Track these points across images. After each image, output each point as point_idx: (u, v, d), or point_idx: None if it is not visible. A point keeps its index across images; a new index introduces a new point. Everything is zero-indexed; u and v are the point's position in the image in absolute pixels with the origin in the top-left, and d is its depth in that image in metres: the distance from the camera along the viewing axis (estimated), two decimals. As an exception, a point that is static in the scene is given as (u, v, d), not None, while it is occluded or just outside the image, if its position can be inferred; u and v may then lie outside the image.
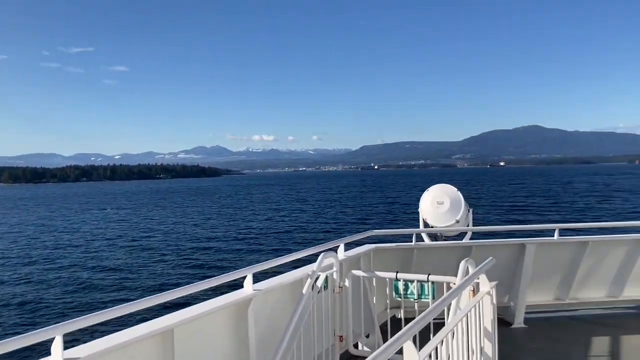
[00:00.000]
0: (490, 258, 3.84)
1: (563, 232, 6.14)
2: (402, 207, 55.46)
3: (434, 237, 6.99)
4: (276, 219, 47.05)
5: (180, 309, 3.57)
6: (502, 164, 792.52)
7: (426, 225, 6.76)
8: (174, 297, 3.24)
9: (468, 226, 6.87)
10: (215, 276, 3.69)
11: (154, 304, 3.09)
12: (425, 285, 4.59)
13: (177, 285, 21.00)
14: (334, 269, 4.82)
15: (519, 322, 6.15)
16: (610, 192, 72.87)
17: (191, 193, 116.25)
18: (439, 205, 6.59)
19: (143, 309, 3.00)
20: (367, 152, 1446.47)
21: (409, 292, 4.67)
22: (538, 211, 46.00)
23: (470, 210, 7.01)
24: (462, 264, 3.75)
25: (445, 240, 6.97)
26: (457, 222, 6.47)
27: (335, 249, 5.20)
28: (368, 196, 78.67)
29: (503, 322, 6.17)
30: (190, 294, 3.46)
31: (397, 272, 4.76)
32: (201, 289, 3.49)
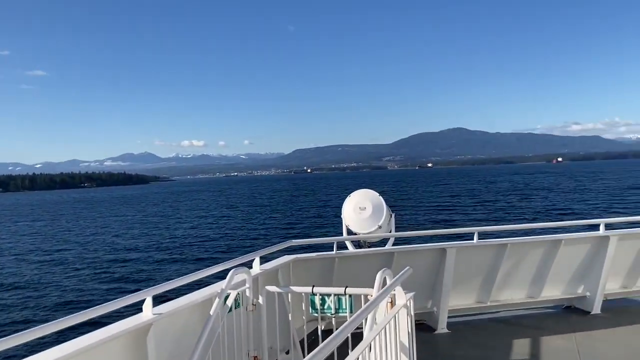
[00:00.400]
0: (407, 268, 3.67)
1: (483, 234, 6.06)
2: (333, 210, 55.26)
3: (357, 244, 6.77)
4: (202, 227, 45.47)
5: (64, 342, 3.06)
6: (430, 165, 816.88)
7: (350, 232, 6.52)
8: (57, 330, 2.76)
9: (390, 232, 6.66)
10: (113, 300, 3.22)
11: (32, 338, 2.59)
12: (343, 298, 4.29)
13: (89, 303, 19.49)
14: (247, 285, 4.45)
15: (442, 328, 6.10)
16: (531, 190, 75.73)
17: (115, 202, 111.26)
18: (361, 211, 6.39)
19: (21, 344, 2.52)
20: (300, 155, 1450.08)
21: (325, 306, 4.37)
22: (463, 211, 47.01)
23: (393, 215, 6.88)
24: (378, 275, 3.41)
25: (369, 247, 6.70)
26: (380, 227, 6.28)
27: (250, 263, 4.89)
28: (300, 200, 78.13)
29: (427, 328, 6.19)
30: (84, 321, 2.99)
31: (313, 286, 4.40)
32: (90, 317, 3.00)
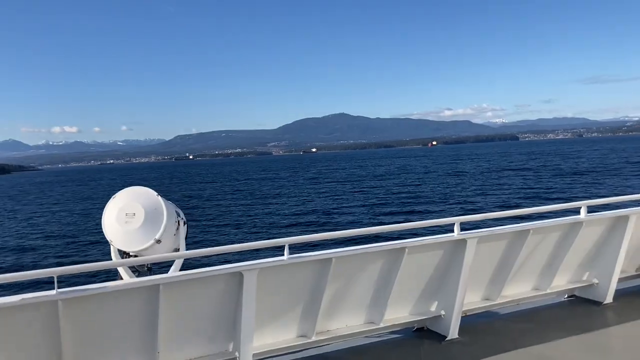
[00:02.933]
0: None
1: (295, 251, 4.19)
2: (195, 200, 48.35)
3: (135, 269, 4.54)
4: (40, 224, 36.63)
5: None
6: (314, 150, 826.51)
7: (122, 253, 4.44)
8: None
9: (178, 250, 4.61)
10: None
11: None
12: None
13: None
14: None
15: (453, 334, 5.20)
16: (407, 173, 74.29)
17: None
18: (129, 219, 4.32)
19: None
20: (181, 142, 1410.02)
21: None
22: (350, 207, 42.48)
23: (183, 223, 4.77)
24: None
25: (149, 271, 4.59)
26: (158, 242, 4.26)
27: None
28: (175, 190, 69.73)
29: (432, 335, 5.34)
30: None
31: None
32: None
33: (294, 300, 4.57)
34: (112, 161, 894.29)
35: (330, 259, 4.28)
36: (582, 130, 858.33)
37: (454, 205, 33.57)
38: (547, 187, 41.90)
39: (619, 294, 6.02)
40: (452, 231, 4.84)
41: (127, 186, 4.50)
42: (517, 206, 28.68)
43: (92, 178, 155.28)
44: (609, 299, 5.91)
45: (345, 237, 4.43)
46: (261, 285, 4.18)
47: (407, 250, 4.61)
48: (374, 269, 4.73)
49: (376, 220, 28.43)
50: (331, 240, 4.39)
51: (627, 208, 5.81)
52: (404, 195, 43.35)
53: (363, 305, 5.03)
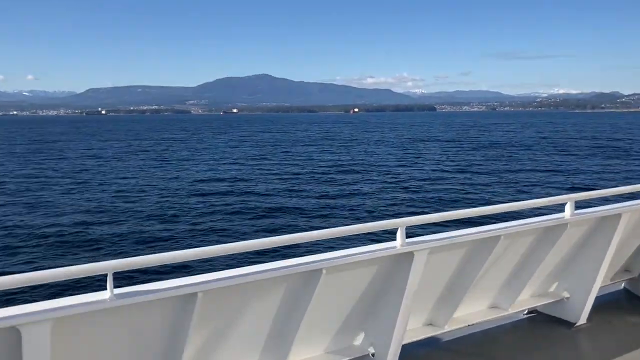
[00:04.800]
0: None
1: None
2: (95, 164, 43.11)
3: None
4: None
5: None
6: (235, 110, 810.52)
7: None
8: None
9: None
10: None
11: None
12: None
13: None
14: None
15: None
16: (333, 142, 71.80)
17: None
18: None
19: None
20: (94, 95, 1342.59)
21: None
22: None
23: None
24: None
25: None
26: None
27: None
28: (73, 147, 62.86)
29: None
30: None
31: None
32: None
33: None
34: (15, 112, 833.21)
35: (196, 293, 2.83)
36: (495, 103, 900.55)
37: (386, 188, 29.95)
38: (470, 160, 40.80)
39: (595, 312, 4.95)
40: (390, 236, 3.56)
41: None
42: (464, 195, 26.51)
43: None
44: (582, 318, 4.86)
45: (226, 253, 2.89)
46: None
47: (324, 271, 3.25)
48: (274, 299, 3.32)
49: (280, 206, 23.02)
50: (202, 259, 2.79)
51: (616, 203, 4.70)
52: (323, 167, 40.48)
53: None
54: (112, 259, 2.38)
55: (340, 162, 41.71)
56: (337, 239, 3.53)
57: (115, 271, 2.45)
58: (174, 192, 26.63)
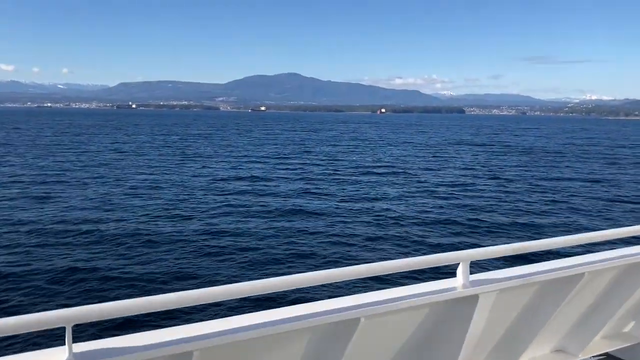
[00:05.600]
0: None
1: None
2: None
3: None
4: None
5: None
6: (263, 108, 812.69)
7: None
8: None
9: None
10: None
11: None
12: None
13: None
14: None
15: None
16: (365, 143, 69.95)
17: None
18: None
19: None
20: (125, 89, 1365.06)
21: None
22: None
23: None
24: None
25: None
26: None
27: None
28: (96, 141, 62.42)
29: None
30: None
31: None
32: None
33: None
34: (50, 104, 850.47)
35: (191, 352, 2.11)
36: (525, 108, 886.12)
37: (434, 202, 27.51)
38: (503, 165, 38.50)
39: None
40: (449, 272, 2.94)
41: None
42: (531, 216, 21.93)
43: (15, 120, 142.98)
44: None
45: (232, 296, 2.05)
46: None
47: (362, 320, 2.51)
48: (295, 358, 2.59)
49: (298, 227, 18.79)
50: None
51: None
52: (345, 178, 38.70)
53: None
54: (71, 307, 1.80)
55: (368, 165, 39.95)
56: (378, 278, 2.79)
57: (75, 323, 1.81)
58: (190, 190, 25.25)
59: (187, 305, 1.93)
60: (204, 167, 35.95)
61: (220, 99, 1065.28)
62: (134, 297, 1.86)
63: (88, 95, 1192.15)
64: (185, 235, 16.01)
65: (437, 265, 2.66)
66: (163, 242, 15.13)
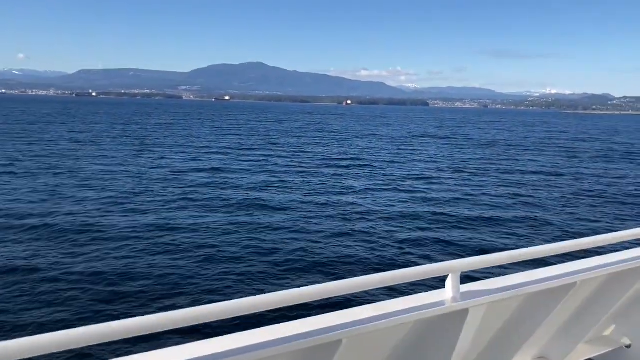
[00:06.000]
0: None
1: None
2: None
3: None
4: None
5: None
6: (227, 98, 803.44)
7: None
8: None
9: None
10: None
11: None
12: None
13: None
14: None
15: None
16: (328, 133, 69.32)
17: None
18: None
19: None
20: (85, 76, 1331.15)
21: None
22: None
23: None
24: None
25: None
26: None
27: None
28: (57, 130, 59.80)
29: None
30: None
31: None
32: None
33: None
34: (4, 91, 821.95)
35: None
36: (487, 101, 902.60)
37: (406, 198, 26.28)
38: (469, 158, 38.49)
39: None
40: (437, 283, 2.68)
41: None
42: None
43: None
44: None
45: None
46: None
47: (344, 342, 2.28)
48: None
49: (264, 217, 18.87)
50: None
51: None
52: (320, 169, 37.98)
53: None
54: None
55: (333, 157, 39.31)
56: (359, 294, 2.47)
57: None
58: (146, 182, 24.07)
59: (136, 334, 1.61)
60: (162, 158, 34.58)
61: (184, 87, 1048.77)
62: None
63: (45, 82, 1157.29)
64: (138, 231, 15.00)
65: (425, 278, 2.42)
66: (114, 238, 14.11)
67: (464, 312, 2.66)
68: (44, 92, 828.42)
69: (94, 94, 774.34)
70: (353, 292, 2.16)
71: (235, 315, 1.83)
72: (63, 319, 8.77)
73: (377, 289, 2.23)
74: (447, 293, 2.57)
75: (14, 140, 43.88)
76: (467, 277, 2.53)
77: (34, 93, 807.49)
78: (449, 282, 2.57)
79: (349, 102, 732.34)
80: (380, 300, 2.44)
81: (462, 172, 31.57)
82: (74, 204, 18.68)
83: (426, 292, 2.57)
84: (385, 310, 2.37)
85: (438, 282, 2.49)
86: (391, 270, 2.31)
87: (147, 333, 1.63)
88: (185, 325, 1.73)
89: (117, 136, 53.01)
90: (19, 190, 20.79)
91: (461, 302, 2.58)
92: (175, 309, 8.28)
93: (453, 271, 2.52)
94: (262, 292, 10.67)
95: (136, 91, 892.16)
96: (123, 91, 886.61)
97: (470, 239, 15.64)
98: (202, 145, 45.16)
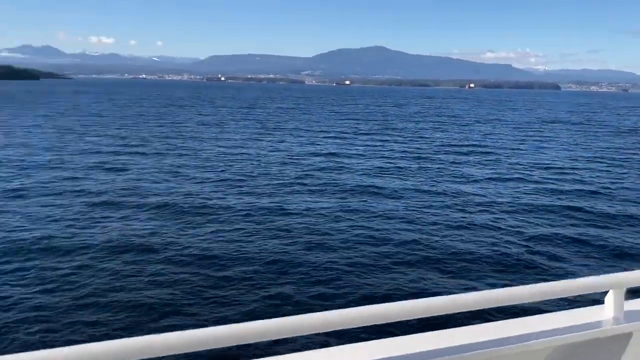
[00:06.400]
0: None
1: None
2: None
3: None
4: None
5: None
6: (347, 82, 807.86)
7: None
8: None
9: None
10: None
11: None
12: None
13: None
14: None
15: None
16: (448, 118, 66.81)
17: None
18: None
19: None
20: (215, 62, 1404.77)
21: None
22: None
23: None
24: None
25: None
26: None
27: None
28: (172, 113, 63.96)
29: None
30: None
31: None
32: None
33: None
34: (144, 76, 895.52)
35: None
36: (627, 85, 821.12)
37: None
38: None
39: None
40: (591, 300, 2.37)
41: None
42: None
43: (113, 90, 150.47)
44: None
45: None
46: None
47: None
48: None
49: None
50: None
51: None
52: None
53: None
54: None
55: (453, 143, 37.53)
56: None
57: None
58: (264, 165, 24.46)
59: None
60: (281, 141, 35.17)
61: (306, 72, 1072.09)
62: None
63: (180, 68, 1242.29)
64: (252, 214, 15.11)
65: (581, 294, 2.04)
66: (228, 220, 14.31)
67: (627, 336, 2.25)
68: (178, 77, 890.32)
69: (222, 79, 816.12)
70: (493, 306, 1.84)
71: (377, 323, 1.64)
72: (170, 303, 8.86)
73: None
74: (606, 312, 2.18)
75: (148, 122, 47.22)
76: (630, 293, 2.13)
77: (169, 78, 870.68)
78: (609, 299, 2.17)
79: (472, 85, 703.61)
80: (523, 315, 2.10)
81: (600, 162, 28.54)
82: (194, 184, 19.41)
83: (580, 309, 2.21)
84: (533, 329, 2.01)
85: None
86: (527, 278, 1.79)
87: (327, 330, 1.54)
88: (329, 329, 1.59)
89: (240, 119, 55.12)
90: (146, 170, 22.07)
91: (625, 324, 2.17)
92: (279, 299, 7.81)
93: (616, 286, 2.12)
94: (370, 286, 10.18)
95: (262, 76, 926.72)
96: (250, 76, 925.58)
97: (609, 240, 13.77)
98: (320, 130, 45.41)
